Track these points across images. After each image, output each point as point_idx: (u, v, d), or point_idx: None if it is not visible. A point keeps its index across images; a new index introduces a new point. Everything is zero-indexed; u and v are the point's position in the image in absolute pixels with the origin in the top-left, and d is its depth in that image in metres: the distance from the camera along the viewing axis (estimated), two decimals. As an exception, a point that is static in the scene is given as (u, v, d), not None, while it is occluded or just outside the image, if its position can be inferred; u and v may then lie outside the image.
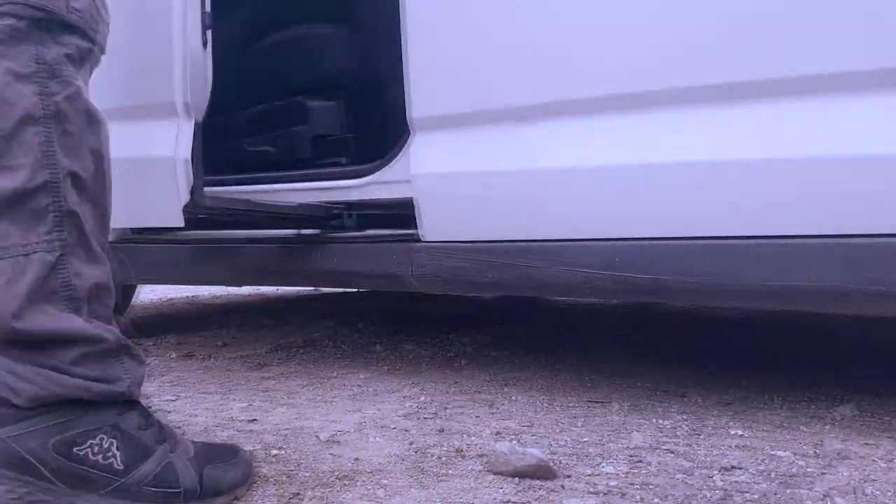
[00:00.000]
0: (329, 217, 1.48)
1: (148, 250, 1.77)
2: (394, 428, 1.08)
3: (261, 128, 1.82)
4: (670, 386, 1.29)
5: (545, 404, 1.20)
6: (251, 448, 0.97)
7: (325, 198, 1.51)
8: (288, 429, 1.09)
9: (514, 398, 1.24)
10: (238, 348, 1.83)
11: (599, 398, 1.23)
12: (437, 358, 1.61)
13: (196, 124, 1.29)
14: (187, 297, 3.24)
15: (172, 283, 1.79)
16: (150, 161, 1.30)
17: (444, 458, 0.93)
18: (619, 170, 1.08)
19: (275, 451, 0.98)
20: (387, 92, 1.72)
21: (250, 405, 1.23)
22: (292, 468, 0.91)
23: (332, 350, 1.77)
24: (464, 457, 0.94)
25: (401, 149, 1.37)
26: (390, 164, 1.39)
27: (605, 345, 1.73)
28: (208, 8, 1.28)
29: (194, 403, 1.26)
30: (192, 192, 1.27)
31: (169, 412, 1.19)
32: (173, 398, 1.30)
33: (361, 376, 1.46)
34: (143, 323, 2.19)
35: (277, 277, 1.57)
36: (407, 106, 1.28)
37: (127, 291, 2.00)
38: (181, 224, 1.28)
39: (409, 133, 1.34)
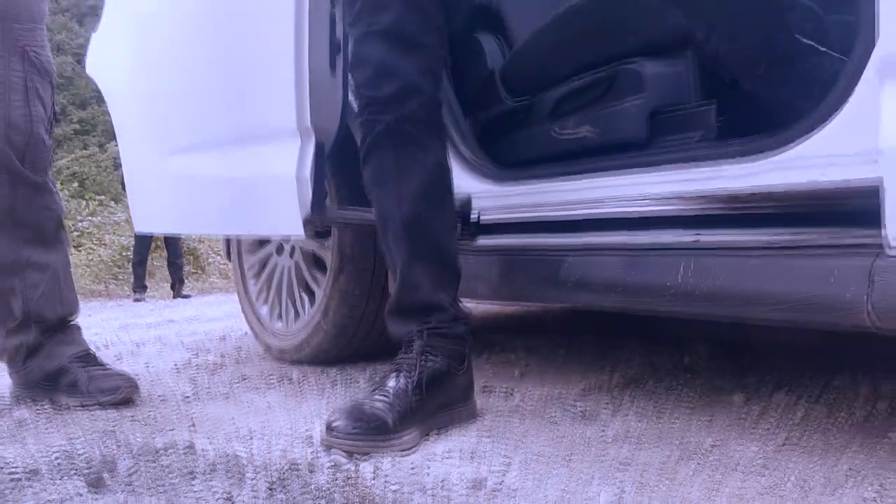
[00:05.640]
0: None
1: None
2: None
3: (576, 107, 1.44)
4: None
5: None
6: None
7: (687, 189, 1.08)
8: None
9: None
10: (541, 381, 1.48)
11: None
12: (856, 431, 1.10)
13: (318, 144, 1.37)
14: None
15: (475, 298, 1.49)
16: (277, 179, 1.42)
17: None
18: None
19: None
20: (769, 39, 1.26)
21: (621, 493, 0.84)
22: None
23: (667, 395, 1.33)
24: None
25: (836, 110, 0.90)
26: (813, 134, 0.93)
27: None
28: (338, 34, 1.34)
29: (544, 481, 0.89)
30: (312, 207, 1.38)
31: (515, 491, 0.84)
32: (503, 463, 0.95)
33: (753, 449, 1.00)
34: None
35: (617, 296, 1.16)
36: (877, 36, 0.81)
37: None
38: (302, 234, 1.40)
39: (850, 89, 0.87)
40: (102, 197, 11.46)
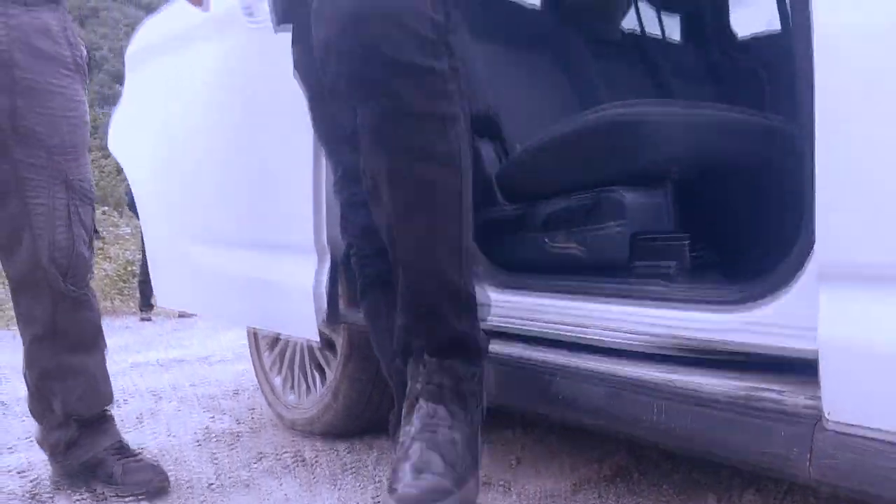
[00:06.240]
0: None
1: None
2: None
3: (563, 224, 1.58)
4: None
5: None
6: None
7: (660, 332, 1.23)
8: None
9: None
10: (536, 470, 1.62)
11: None
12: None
13: (332, 260, 1.56)
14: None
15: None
16: (294, 287, 1.62)
17: None
18: None
19: None
20: (737, 190, 1.41)
21: None
22: None
23: (649, 490, 1.48)
24: None
25: (785, 286, 1.04)
26: (769, 300, 1.07)
27: None
28: None
29: None
30: (326, 316, 1.57)
31: None
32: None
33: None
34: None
35: (602, 420, 1.31)
36: (814, 240, 0.95)
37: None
38: (317, 339, 1.61)
39: (799, 271, 1.02)
40: (106, 208, 11.59)
